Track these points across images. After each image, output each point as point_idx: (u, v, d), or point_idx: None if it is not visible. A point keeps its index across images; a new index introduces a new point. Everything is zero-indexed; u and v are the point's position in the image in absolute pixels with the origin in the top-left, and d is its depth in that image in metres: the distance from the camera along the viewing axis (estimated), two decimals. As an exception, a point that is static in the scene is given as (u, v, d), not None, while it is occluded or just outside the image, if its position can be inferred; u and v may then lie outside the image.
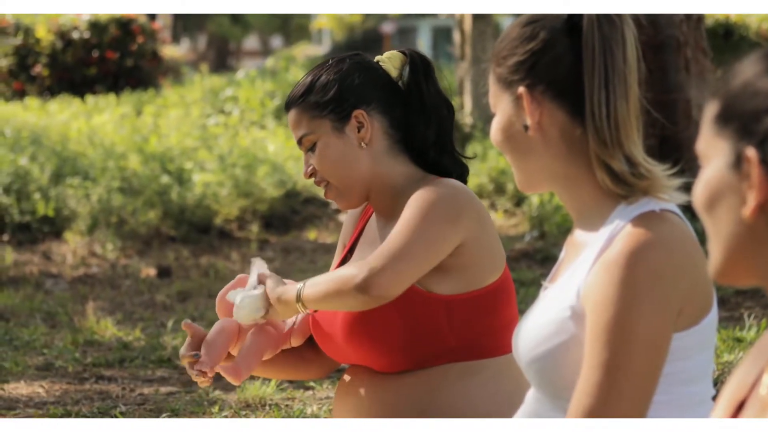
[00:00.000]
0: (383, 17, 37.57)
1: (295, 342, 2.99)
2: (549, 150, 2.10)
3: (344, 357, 2.93)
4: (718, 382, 4.41)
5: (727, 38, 13.94)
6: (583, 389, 1.95)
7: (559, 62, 2.09)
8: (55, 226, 9.26)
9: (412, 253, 2.69)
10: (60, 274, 8.12)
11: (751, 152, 1.48)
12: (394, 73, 2.95)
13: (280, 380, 4.91)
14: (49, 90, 16.65)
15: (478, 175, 10.32)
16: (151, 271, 8.16)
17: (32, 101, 14.98)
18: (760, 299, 6.38)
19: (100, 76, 16.96)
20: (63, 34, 16.91)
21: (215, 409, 4.68)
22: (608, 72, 2.05)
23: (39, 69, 16.82)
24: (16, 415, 4.70)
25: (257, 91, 14.82)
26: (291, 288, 2.79)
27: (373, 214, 3.01)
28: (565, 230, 8.08)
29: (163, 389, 5.13)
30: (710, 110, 1.56)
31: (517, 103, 2.12)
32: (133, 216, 9.24)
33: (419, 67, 2.95)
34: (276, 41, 48.96)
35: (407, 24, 39.83)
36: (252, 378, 4.64)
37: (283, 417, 4.56)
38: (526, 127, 2.11)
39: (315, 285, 2.75)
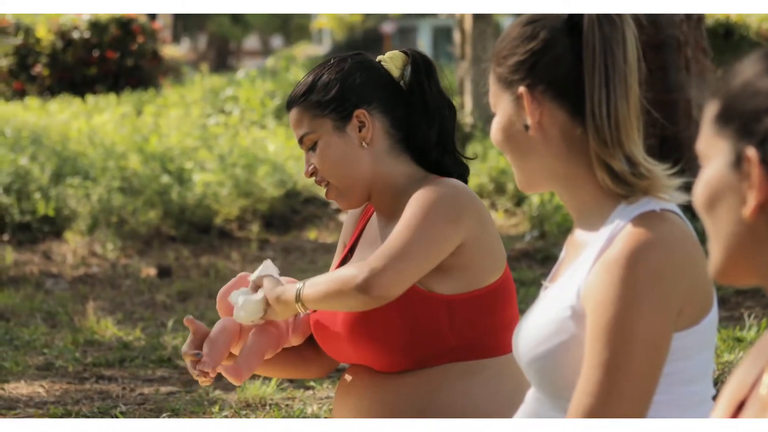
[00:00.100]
0: (383, 17, 37.57)
1: (295, 341, 2.99)
2: (549, 150, 2.10)
3: (345, 356, 2.93)
4: (718, 382, 4.42)
5: (727, 38, 13.94)
6: (583, 389, 1.95)
7: (559, 62, 2.09)
8: (55, 226, 9.26)
9: (412, 253, 2.69)
10: (60, 273, 8.12)
11: (751, 152, 1.48)
12: (395, 72, 2.95)
13: (281, 380, 4.91)
14: (50, 90, 16.65)
15: (479, 174, 10.32)
16: (152, 271, 8.16)
17: (32, 101, 14.99)
18: (761, 299, 6.38)
19: (101, 76, 16.96)
20: (63, 34, 16.91)
21: (215, 408, 4.68)
22: (609, 72, 2.05)
23: (39, 69, 16.82)
24: (16, 415, 4.69)
25: (257, 91, 14.83)
26: (290, 288, 2.79)
27: (374, 214, 3.01)
28: (566, 230, 8.09)
29: (164, 389, 5.13)
30: (710, 110, 1.56)
31: (518, 102, 2.12)
32: (134, 216, 9.24)
33: (421, 67, 2.95)
34: (276, 41, 48.96)
35: (407, 24, 39.83)
36: (252, 378, 4.63)
37: (283, 417, 4.56)
38: (526, 127, 2.11)
39: (315, 285, 2.74)
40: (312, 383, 5.01)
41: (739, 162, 1.50)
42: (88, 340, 6.00)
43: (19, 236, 9.10)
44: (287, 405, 4.74)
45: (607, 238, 2.02)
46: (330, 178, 2.93)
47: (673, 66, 7.40)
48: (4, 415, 4.67)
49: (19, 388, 5.11)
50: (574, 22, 2.09)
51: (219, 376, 2.95)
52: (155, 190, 9.56)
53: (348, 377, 2.94)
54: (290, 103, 2.96)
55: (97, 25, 16.98)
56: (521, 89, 2.11)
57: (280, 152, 11.44)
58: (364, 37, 36.94)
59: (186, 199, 9.53)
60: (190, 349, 2.90)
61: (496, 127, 2.15)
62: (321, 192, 9.95)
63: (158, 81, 17.54)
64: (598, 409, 1.93)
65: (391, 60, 2.96)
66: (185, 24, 42.97)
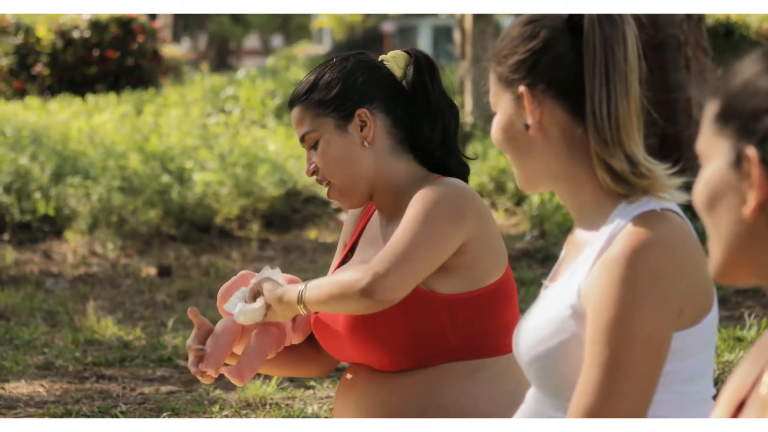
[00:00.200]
0: (384, 16, 37.58)
1: (296, 340, 2.99)
2: (550, 149, 2.10)
3: (346, 355, 2.93)
4: (718, 382, 4.41)
5: (727, 37, 13.95)
6: (583, 388, 1.95)
7: (559, 61, 2.09)
8: (55, 226, 9.26)
9: (415, 255, 2.68)
10: (60, 273, 8.12)
11: (751, 151, 1.48)
12: (398, 72, 2.94)
13: (281, 379, 4.91)
14: (50, 89, 16.66)
15: (479, 174, 10.32)
16: (152, 271, 8.17)
17: (33, 100, 14.99)
18: (761, 298, 6.38)
19: (101, 76, 16.96)
20: (63, 34, 16.92)
21: (216, 408, 4.68)
22: (609, 71, 2.05)
23: (39, 68, 16.82)
24: (16, 415, 4.69)
25: (258, 91, 14.82)
26: (292, 289, 2.78)
27: (375, 214, 3.01)
28: (566, 229, 8.08)
29: (164, 388, 5.12)
30: (710, 109, 1.56)
31: (518, 102, 2.12)
32: (134, 215, 9.24)
33: (424, 67, 2.94)
34: (276, 40, 48.97)
35: (408, 23, 39.84)
36: (253, 377, 4.63)
37: (283, 416, 4.55)
38: (526, 126, 2.11)
39: (317, 288, 2.73)
40: (312, 383, 5.01)
41: (739, 161, 1.50)
42: (89, 340, 6.00)
43: (20, 236, 9.10)
44: (287, 404, 4.74)
45: (607, 237, 2.02)
46: (331, 177, 2.92)
47: (673, 65, 7.40)
48: (4, 415, 4.67)
49: (19, 388, 5.11)
50: (574, 21, 2.09)
51: (220, 376, 2.95)
52: (155, 189, 9.56)
53: (348, 376, 2.94)
54: (292, 102, 2.96)
55: (97, 25, 16.99)
56: (521, 89, 2.11)
57: (281, 152, 11.44)
58: (365, 37, 36.97)
59: (186, 199, 9.53)
60: (194, 344, 2.90)
61: (496, 126, 2.15)
62: (321, 191, 9.95)
63: (158, 80, 17.54)
64: (598, 409, 1.93)
65: (394, 60, 2.96)
66: (185, 23, 42.98)
